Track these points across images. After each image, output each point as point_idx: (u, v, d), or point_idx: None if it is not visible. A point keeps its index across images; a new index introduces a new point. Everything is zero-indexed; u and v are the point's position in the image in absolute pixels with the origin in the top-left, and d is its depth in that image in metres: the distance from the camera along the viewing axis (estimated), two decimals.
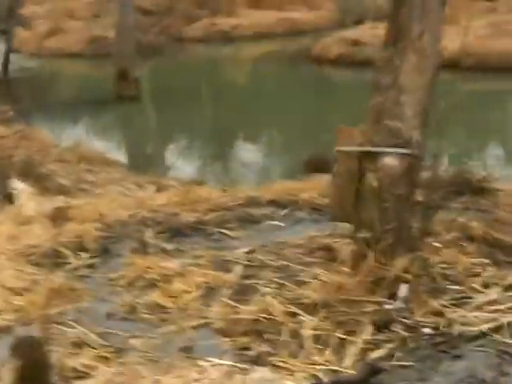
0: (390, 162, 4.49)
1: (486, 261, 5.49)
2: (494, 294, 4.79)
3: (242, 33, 26.92)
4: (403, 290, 4.22)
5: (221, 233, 6.51)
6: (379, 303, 4.22)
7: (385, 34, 4.73)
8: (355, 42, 21.59)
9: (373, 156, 4.54)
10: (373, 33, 21.93)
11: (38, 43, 25.37)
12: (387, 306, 4.16)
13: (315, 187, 8.14)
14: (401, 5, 4.61)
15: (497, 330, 4.16)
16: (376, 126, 4.60)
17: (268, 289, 4.73)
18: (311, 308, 4.29)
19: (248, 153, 15.64)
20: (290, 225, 6.75)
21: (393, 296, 4.26)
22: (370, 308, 4.19)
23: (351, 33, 22.61)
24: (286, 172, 13.18)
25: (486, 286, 4.97)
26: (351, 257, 4.56)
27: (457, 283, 4.87)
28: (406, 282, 4.30)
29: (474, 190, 7.41)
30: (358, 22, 25.19)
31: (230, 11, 27.95)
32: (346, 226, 4.89)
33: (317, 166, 11.54)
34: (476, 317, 4.27)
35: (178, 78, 22.28)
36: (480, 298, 4.64)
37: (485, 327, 4.17)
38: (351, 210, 4.57)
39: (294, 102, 18.48)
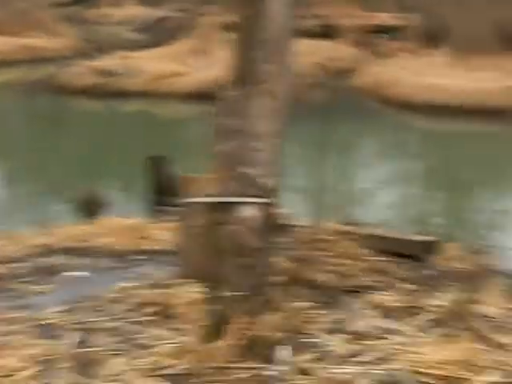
0: (250, 212, 4.18)
1: (312, 303, 5.41)
2: (342, 343, 4.64)
3: None
4: (282, 351, 3.92)
5: (20, 288, 5.85)
6: (256, 368, 3.87)
7: (231, 74, 4.42)
8: (104, 72, 21.10)
9: (228, 207, 4.21)
10: (122, 63, 21.61)
11: None
12: (269, 372, 3.82)
13: (107, 231, 7.69)
14: (249, 44, 4.33)
15: None
16: (228, 173, 4.27)
17: (117, 359, 4.21)
18: (181, 378, 3.85)
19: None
20: (94, 275, 6.25)
21: (268, 359, 3.94)
22: (246, 374, 3.83)
23: (99, 62, 22.07)
24: (50, 212, 12.42)
25: (331, 332, 4.85)
26: (211, 318, 4.16)
27: (305, 333, 4.68)
28: (280, 342, 3.99)
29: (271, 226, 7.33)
30: (102, 50, 24.74)
31: None
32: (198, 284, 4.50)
33: (90, 206, 11.01)
34: (355, 373, 4.05)
35: None
36: (339, 350, 4.46)
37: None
38: (207, 267, 4.19)
39: (32, 134, 17.67)
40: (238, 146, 4.29)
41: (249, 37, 4.34)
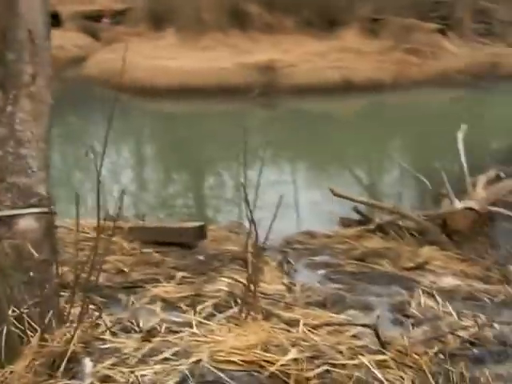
0: (29, 224, 3.96)
1: (95, 306, 5.25)
2: (137, 343, 4.53)
3: None
4: (87, 364, 3.75)
5: None
6: None
7: None
8: None
9: (5, 221, 3.95)
10: None
11: None
12: None
13: None
14: (7, 45, 4.07)
15: (181, 382, 3.92)
16: (0, 185, 4.01)
17: None
18: None
19: None
20: None
21: (71, 373, 3.75)
22: None
23: None
24: None
25: (122, 333, 4.73)
26: (1, 340, 3.88)
27: (98, 339, 4.52)
28: (79, 353, 3.82)
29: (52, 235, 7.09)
30: None
31: None
32: None
33: None
34: (158, 372, 3.97)
35: None
36: (136, 351, 4.33)
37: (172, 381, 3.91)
38: None
39: None
40: (7, 155, 4.04)
41: (3, 37, 4.08)
